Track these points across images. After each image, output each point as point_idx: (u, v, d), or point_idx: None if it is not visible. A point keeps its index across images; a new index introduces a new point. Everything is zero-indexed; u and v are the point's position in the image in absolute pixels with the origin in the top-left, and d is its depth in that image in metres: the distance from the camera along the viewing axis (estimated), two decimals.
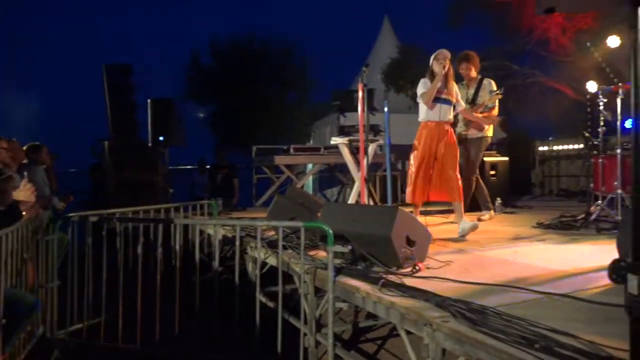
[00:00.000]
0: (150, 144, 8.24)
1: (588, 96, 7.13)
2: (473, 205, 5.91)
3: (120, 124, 8.45)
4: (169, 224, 3.95)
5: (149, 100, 8.31)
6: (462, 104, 5.00)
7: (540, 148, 10.50)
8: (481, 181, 5.86)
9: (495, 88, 5.65)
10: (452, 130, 4.76)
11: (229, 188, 8.54)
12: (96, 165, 8.78)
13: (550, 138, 10.35)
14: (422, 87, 4.67)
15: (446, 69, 4.57)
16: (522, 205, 7.30)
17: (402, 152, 10.48)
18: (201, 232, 5.47)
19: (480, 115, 5.53)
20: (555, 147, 10.31)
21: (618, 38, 5.84)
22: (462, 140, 5.60)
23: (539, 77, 10.37)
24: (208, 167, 9.10)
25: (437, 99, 4.61)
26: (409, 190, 4.68)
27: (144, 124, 8.40)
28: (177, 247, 3.86)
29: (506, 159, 7.21)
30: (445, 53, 4.62)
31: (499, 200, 6.45)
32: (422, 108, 4.68)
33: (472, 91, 5.73)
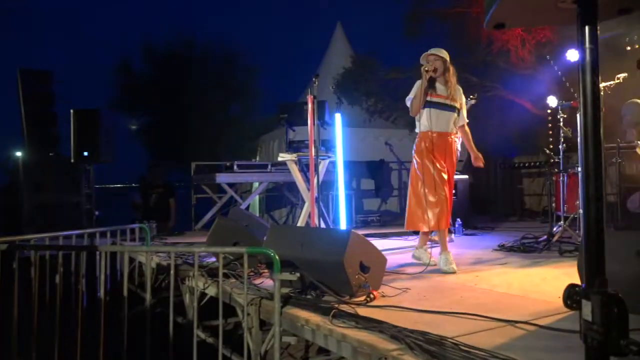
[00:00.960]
0: (72, 160, 7.99)
1: (549, 111, 7.51)
2: None
3: (38, 138, 8.17)
4: (93, 252, 3.83)
5: (71, 111, 8.08)
6: (465, 117, 4.49)
7: (502, 165, 10.92)
8: None
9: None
10: (455, 144, 4.40)
11: (165, 210, 8.37)
12: (9, 185, 8.42)
13: (512, 155, 10.79)
14: (413, 90, 4.35)
15: (433, 68, 4.22)
16: (483, 227, 7.55)
17: (356, 169, 10.70)
18: (131, 260, 5.32)
19: None
20: (516, 164, 10.75)
21: (577, 52, 6.20)
22: None
23: (499, 91, 10.81)
24: (139, 185, 8.91)
25: (431, 104, 4.26)
26: (416, 215, 4.27)
27: (65, 138, 8.15)
28: (103, 278, 3.74)
29: (466, 177, 7.45)
30: (438, 52, 4.34)
31: (458, 222, 6.65)
32: (416, 118, 4.38)
33: None
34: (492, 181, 10.90)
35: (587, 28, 1.26)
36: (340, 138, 6.35)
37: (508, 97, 10.87)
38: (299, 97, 13.07)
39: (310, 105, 5.31)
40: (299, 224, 6.10)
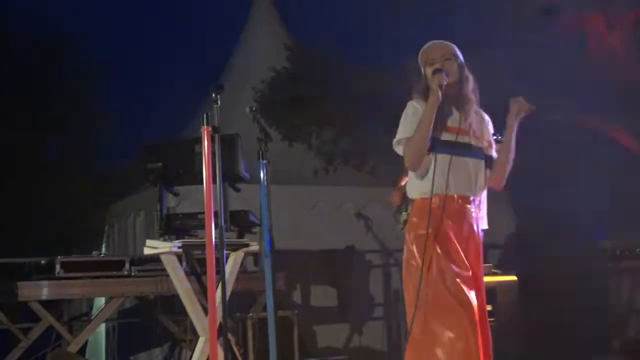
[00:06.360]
0: None
1: None
2: None
3: None
4: None
5: None
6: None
7: (581, 255, 11.16)
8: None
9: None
10: (477, 217, 4.60)
11: None
12: None
13: (599, 236, 11.07)
14: (405, 123, 4.60)
15: (446, 79, 4.37)
16: None
17: (301, 266, 10.61)
18: None
19: None
20: (612, 254, 10.96)
21: None
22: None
23: (567, 111, 11.18)
24: None
25: (440, 144, 4.42)
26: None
27: None
28: None
29: (512, 279, 7.60)
30: (445, 46, 4.62)
31: None
32: (412, 174, 4.63)
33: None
34: (562, 285, 11.09)
35: None
36: (267, 207, 6.43)
37: (584, 123, 11.24)
38: (184, 129, 13.21)
39: (206, 145, 5.38)
40: None
